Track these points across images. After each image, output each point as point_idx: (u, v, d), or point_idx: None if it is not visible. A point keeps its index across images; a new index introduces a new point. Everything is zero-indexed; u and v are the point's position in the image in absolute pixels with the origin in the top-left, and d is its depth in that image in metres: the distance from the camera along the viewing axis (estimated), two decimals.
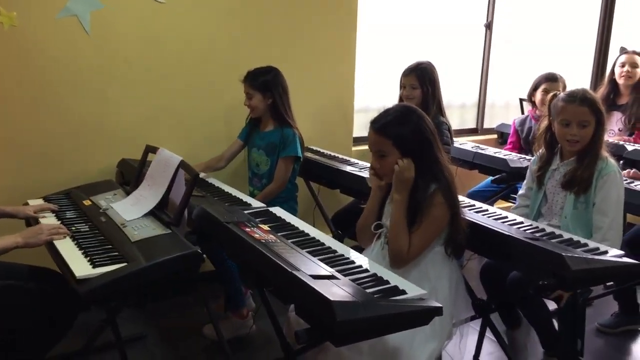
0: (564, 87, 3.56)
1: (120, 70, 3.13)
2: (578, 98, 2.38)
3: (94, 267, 1.87)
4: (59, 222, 2.30)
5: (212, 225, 2.12)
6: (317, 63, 3.66)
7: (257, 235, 1.96)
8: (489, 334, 2.60)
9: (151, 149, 2.58)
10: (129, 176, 2.82)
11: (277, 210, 2.32)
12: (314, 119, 3.70)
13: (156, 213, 2.29)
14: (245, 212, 2.26)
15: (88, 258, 1.93)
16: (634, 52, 4.00)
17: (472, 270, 2.79)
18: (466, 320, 2.45)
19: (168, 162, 2.36)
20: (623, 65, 3.98)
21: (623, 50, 4.06)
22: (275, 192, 3.05)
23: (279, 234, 2.03)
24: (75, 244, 2.06)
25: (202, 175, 2.87)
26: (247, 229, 2.02)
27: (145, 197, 2.38)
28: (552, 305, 2.46)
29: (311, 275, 1.64)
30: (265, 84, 3.03)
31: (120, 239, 2.09)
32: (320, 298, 1.51)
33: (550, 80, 3.63)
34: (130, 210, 2.33)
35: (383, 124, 2.07)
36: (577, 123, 2.37)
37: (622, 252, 2.01)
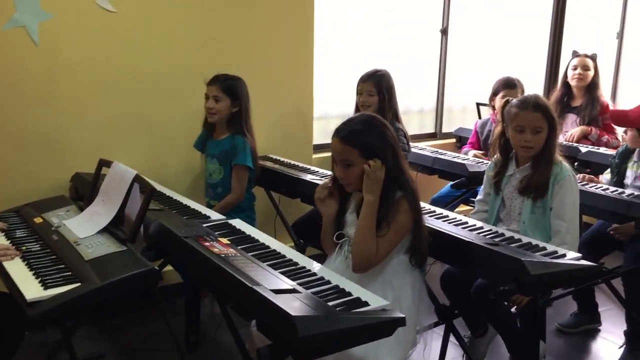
0: (523, 93, 3.62)
1: (72, 81, 3.04)
2: (531, 104, 2.41)
3: (45, 289, 1.79)
4: (8, 241, 2.20)
5: (170, 241, 2.07)
6: (275, 71, 3.63)
7: (217, 250, 1.92)
8: (452, 338, 2.61)
9: (105, 163, 2.50)
10: (84, 191, 2.73)
11: (237, 223, 2.28)
12: (273, 127, 3.67)
13: (111, 229, 2.22)
14: (204, 225, 2.21)
15: (39, 279, 1.86)
16: (585, 55, 4.09)
17: (434, 275, 2.79)
18: (430, 327, 2.46)
19: (123, 176, 2.29)
20: (575, 68, 4.07)
21: (575, 54, 4.15)
22: (234, 202, 3.01)
23: (239, 247, 1.99)
24: (26, 265, 1.98)
25: (159, 188, 2.81)
26: (206, 243, 1.97)
27: (99, 213, 2.30)
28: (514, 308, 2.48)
29: (272, 290, 1.61)
30: (236, 90, 3.00)
31: (74, 258, 2.01)
32: (282, 313, 1.48)
33: (509, 87, 3.68)
34: (84, 227, 2.25)
35: (349, 132, 2.05)
36: (530, 129, 2.40)
37: (579, 255, 2.04)
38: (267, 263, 1.85)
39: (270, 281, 1.69)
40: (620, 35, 5.02)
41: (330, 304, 1.60)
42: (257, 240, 2.09)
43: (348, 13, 4.15)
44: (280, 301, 1.53)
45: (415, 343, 2.11)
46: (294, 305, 1.52)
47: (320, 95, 4.02)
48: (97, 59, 3.08)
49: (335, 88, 4.16)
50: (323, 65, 4.01)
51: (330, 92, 4.15)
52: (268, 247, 2.03)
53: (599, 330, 3.13)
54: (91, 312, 1.93)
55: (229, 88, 2.98)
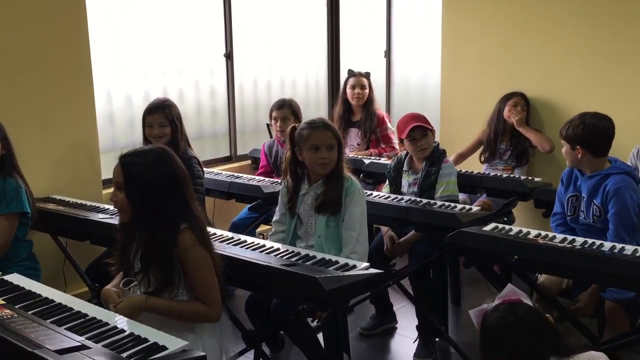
0: (294, 111, 3.79)
1: None
2: (322, 124, 2.58)
3: None
4: None
5: None
6: (50, 105, 3.33)
7: None
8: None
9: None
10: None
11: (14, 278, 2.06)
12: (54, 166, 3.37)
13: None
14: None
15: None
16: (360, 74, 4.38)
17: (241, 298, 2.79)
18: (238, 355, 2.46)
19: None
20: (354, 88, 4.32)
21: (351, 73, 4.41)
22: None
23: (17, 307, 1.80)
24: None
25: None
26: None
27: None
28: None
29: (56, 351, 1.49)
30: None
31: None
32: None
33: (276, 108, 3.86)
34: None
35: (131, 162, 2.00)
36: (326, 146, 2.54)
37: (368, 265, 2.19)
38: (51, 320, 1.71)
39: (54, 341, 1.56)
40: (388, 54, 5.52)
41: (124, 355, 1.52)
42: (40, 295, 1.92)
43: (128, 39, 4.00)
44: None
45: None
46: None
47: (108, 126, 3.82)
48: None
49: (123, 117, 3.99)
50: (106, 95, 3.83)
51: (119, 122, 3.97)
52: (52, 301, 1.87)
53: (396, 328, 3.37)
54: None
55: None
